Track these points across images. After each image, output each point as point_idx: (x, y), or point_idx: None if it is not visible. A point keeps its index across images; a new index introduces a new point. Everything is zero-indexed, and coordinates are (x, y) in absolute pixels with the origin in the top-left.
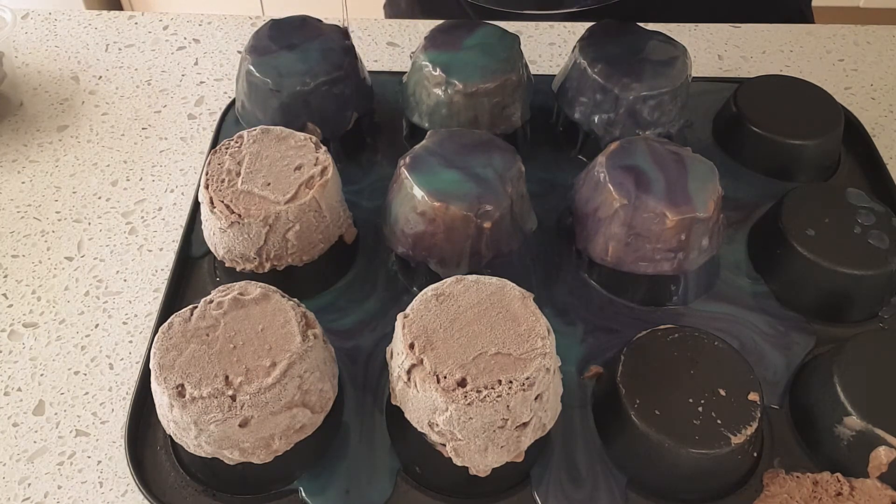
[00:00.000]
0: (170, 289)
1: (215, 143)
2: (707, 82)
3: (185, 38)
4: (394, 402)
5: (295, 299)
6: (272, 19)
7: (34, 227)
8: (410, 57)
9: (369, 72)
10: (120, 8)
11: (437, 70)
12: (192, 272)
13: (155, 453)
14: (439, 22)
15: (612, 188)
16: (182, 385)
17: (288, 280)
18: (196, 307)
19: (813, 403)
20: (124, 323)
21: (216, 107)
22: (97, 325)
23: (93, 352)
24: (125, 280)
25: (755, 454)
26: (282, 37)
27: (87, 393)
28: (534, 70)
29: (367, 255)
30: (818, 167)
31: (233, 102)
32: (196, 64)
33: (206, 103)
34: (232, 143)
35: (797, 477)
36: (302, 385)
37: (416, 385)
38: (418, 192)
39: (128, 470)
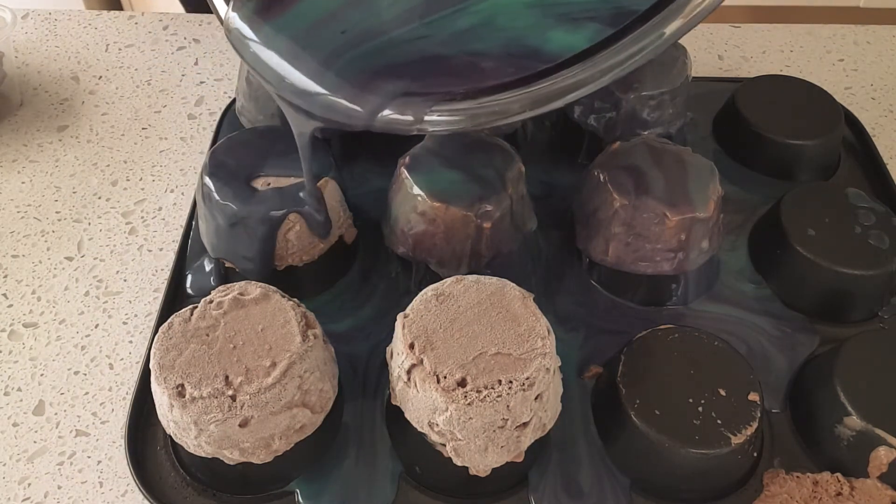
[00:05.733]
0: (170, 289)
1: (215, 142)
2: (707, 82)
3: (185, 38)
4: (394, 403)
5: (295, 299)
6: None
7: (34, 227)
8: None
9: None
10: (120, 8)
11: None
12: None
13: (155, 453)
14: None
15: (612, 188)
16: (182, 385)
17: (288, 280)
18: (196, 307)
19: (813, 403)
20: (124, 323)
21: (216, 107)
22: (97, 325)
23: (93, 352)
24: (125, 280)
25: (755, 454)
26: None
27: (87, 393)
28: None
29: (367, 256)
30: (818, 167)
31: (233, 102)
32: (196, 64)
33: (206, 103)
34: None
35: (797, 477)
36: (302, 385)
37: (416, 385)
38: (418, 192)
39: (128, 470)
